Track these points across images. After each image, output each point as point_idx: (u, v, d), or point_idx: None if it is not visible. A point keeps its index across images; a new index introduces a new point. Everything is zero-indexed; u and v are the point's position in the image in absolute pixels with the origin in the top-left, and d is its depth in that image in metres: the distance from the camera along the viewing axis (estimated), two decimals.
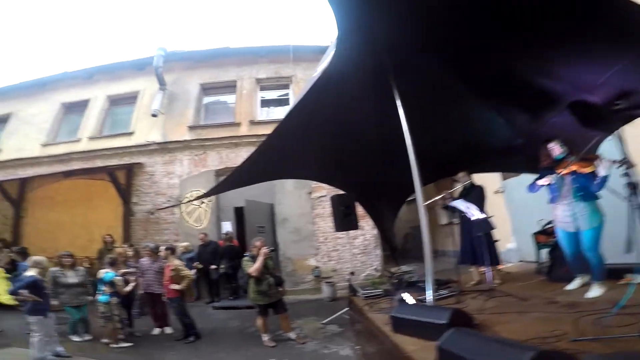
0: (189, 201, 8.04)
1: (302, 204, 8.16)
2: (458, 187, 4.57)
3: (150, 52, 9.50)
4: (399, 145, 3.21)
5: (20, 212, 8.58)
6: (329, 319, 5.12)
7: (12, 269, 6.07)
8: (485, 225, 4.14)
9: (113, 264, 4.95)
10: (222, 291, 7.13)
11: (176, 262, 5.04)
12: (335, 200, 5.50)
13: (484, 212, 3.98)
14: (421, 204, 3.18)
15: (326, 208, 7.95)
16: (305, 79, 9.55)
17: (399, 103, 3.17)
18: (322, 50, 10.40)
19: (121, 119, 9.70)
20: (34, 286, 4.03)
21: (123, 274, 4.98)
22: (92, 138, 9.13)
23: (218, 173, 8.48)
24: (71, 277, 4.83)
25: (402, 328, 2.51)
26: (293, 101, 3.86)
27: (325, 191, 8.16)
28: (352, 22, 2.48)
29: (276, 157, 4.16)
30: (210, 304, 6.92)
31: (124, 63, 10.12)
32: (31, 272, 4.15)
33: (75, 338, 4.77)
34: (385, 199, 5.55)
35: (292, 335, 4.47)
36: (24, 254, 5.78)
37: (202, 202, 8.11)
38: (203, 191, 8.33)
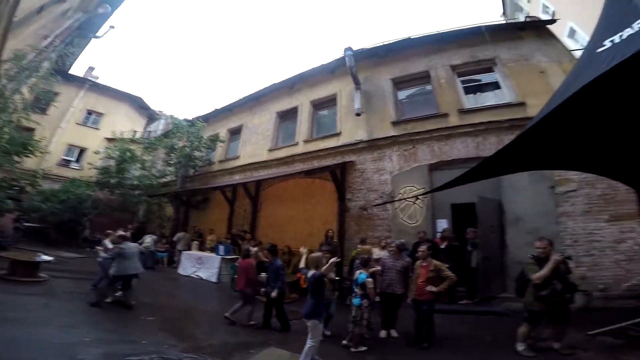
0: (402, 198, 7.78)
1: (541, 201, 6.75)
2: None
3: (335, 54, 9.83)
4: None
5: (257, 207, 10.26)
6: (601, 329, 4.36)
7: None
8: None
9: (365, 264, 4.62)
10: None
11: (436, 262, 4.67)
12: None
13: None
14: None
15: (577, 205, 6.63)
16: (514, 60, 8.11)
17: None
18: (519, 27, 8.48)
19: (325, 121, 10.45)
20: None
21: (371, 274, 4.66)
22: (306, 141, 10.13)
23: (431, 167, 7.96)
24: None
25: None
26: (564, 82, 2.80)
27: (574, 184, 6.62)
28: None
29: (536, 146, 3.63)
30: None
31: (316, 69, 10.88)
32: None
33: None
34: None
35: (556, 345, 4.00)
36: (274, 252, 5.53)
37: (417, 199, 7.68)
38: (416, 186, 7.98)
